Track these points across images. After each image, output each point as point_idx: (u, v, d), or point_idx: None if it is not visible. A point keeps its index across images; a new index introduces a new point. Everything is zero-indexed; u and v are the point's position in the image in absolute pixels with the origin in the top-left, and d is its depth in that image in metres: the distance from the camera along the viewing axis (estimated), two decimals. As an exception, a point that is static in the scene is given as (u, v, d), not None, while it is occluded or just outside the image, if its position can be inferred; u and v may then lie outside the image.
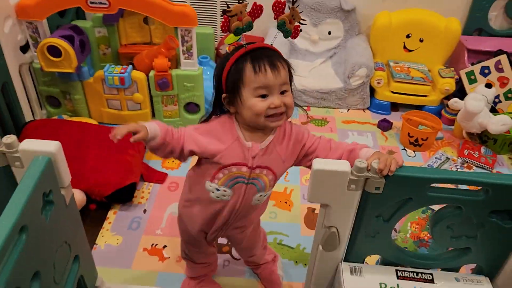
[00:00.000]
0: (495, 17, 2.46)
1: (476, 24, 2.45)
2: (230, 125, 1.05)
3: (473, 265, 1.16)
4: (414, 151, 2.08)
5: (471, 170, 1.95)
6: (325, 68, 2.44)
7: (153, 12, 1.77)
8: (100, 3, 1.74)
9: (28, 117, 1.97)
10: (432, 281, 1.11)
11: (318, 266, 1.18)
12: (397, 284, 1.09)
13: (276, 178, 1.11)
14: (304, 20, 1.15)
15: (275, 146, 1.06)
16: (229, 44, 2.51)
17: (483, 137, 2.10)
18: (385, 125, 2.22)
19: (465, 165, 1.98)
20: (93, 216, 1.68)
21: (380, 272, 1.12)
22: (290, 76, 1.04)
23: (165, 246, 1.56)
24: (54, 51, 1.79)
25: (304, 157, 1.11)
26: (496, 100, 2.24)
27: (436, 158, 2.02)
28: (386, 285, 1.09)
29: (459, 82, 2.29)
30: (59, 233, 1.03)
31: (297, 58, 2.48)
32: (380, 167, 0.94)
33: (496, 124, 1.93)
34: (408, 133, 2.07)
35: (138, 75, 1.94)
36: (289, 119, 1.08)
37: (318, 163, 0.97)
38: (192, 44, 1.88)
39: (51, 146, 0.98)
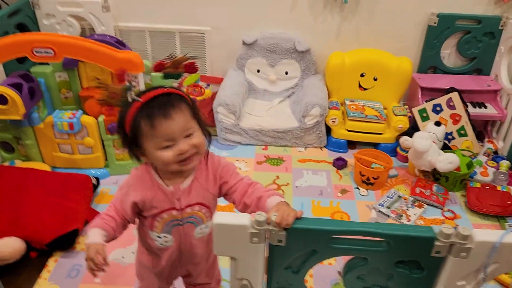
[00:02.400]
0: (448, 55, 2.52)
1: (430, 62, 2.50)
2: (149, 175, 1.06)
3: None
4: (366, 190, 2.08)
5: (422, 209, 1.95)
6: (283, 107, 2.47)
7: (98, 60, 1.81)
8: (46, 52, 1.77)
9: (-21, 163, 1.98)
10: (350, 332, 1.09)
11: (239, 319, 1.16)
12: (313, 337, 1.07)
13: (210, 209, 1.14)
14: (191, 57, 1.25)
15: (198, 181, 1.08)
16: (187, 86, 2.55)
17: (435, 175, 2.11)
18: (340, 164, 2.23)
19: (416, 204, 1.98)
20: (33, 264, 1.65)
21: (298, 324, 1.10)
22: (195, 112, 1.03)
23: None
24: (1, 99, 1.81)
25: (225, 195, 1.14)
26: (450, 137, 2.26)
27: (387, 196, 2.01)
28: (302, 339, 1.07)
29: (413, 119, 2.32)
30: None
31: (256, 97, 2.52)
32: (277, 220, 0.94)
33: (444, 162, 1.94)
34: (360, 172, 2.07)
35: (88, 119, 1.96)
36: (217, 156, 1.11)
37: (219, 217, 0.96)
38: (140, 89, 1.91)
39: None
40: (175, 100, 0.99)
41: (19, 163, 2.05)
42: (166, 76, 1.03)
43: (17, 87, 1.85)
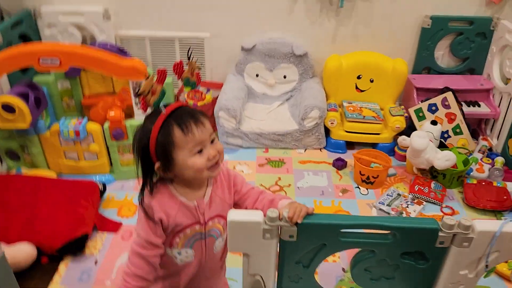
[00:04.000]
0: (442, 56, 2.59)
1: (424, 63, 2.57)
2: (169, 195, 1.07)
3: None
4: (367, 189, 2.14)
5: (421, 206, 2.00)
6: (282, 110, 2.52)
7: (104, 68, 1.85)
8: (52, 61, 1.81)
9: (-15, 172, 2.01)
10: (359, 324, 1.14)
11: (251, 313, 1.20)
12: (324, 329, 1.11)
13: (226, 221, 1.14)
14: (199, 66, 1.26)
15: (216, 193, 1.12)
16: (188, 92, 2.59)
17: (433, 172, 2.17)
18: (339, 164, 2.28)
19: (416, 201, 2.03)
20: (44, 269, 1.68)
21: (309, 317, 1.15)
22: (209, 122, 1.06)
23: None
24: (8, 108, 1.85)
25: (236, 204, 1.17)
26: (446, 135, 2.32)
27: (387, 195, 2.07)
28: (313, 330, 1.11)
29: (410, 119, 2.38)
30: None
31: (255, 102, 2.57)
32: (289, 215, 0.99)
33: (441, 160, 2.00)
34: (360, 172, 2.12)
35: (93, 126, 2.00)
36: (224, 164, 1.14)
37: (233, 214, 1.01)
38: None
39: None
40: (195, 110, 1.04)
41: (25, 171, 2.08)
42: (186, 83, 1.04)
43: (23, 96, 1.89)
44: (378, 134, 2.38)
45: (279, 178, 2.21)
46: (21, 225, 1.68)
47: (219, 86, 2.55)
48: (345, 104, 2.48)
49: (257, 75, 2.57)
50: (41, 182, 1.88)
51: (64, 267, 1.69)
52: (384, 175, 2.14)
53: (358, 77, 2.48)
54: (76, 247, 1.71)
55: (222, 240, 1.18)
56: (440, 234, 0.98)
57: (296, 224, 1.00)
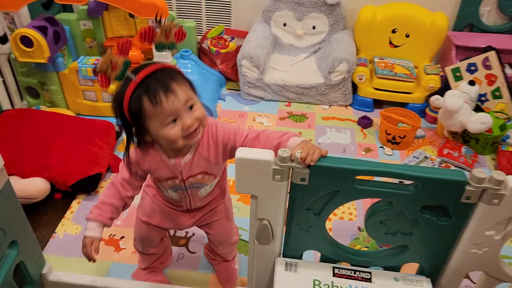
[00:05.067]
0: (488, 13, 2.37)
1: (467, 19, 2.37)
2: (153, 149, 1.06)
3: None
4: (392, 149, 2.03)
5: (449, 169, 1.89)
6: (308, 63, 2.40)
7: (123, 4, 1.77)
8: (72, -10, 1.74)
9: (6, 107, 2.00)
10: (369, 280, 1.07)
11: (257, 261, 1.15)
12: (332, 282, 1.05)
13: (215, 175, 1.15)
14: (177, 23, 1.15)
15: (200, 154, 1.07)
16: (211, 38, 2.49)
17: (465, 137, 2.03)
18: (365, 122, 2.17)
19: (443, 165, 1.92)
20: (57, 205, 1.69)
21: (317, 269, 1.09)
22: (191, 84, 1.00)
23: (122, 237, 1.56)
24: (27, 41, 1.81)
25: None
26: (483, 98, 2.16)
27: (413, 156, 1.96)
28: (320, 282, 1.05)
29: (445, 79, 2.22)
30: (-16, 217, 1.03)
31: (281, 53, 2.45)
32: (302, 155, 0.91)
33: (475, 123, 1.86)
34: (386, 131, 2.01)
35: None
36: (215, 122, 1.08)
37: (241, 152, 0.94)
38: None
39: (-24, 129, 0.97)
40: (172, 74, 0.96)
41: (44, 109, 2.07)
42: (159, 47, 0.95)
43: (42, 30, 1.84)
44: (409, 93, 2.24)
45: (300, 133, 2.12)
46: (36, 160, 1.67)
47: (244, 34, 2.44)
48: (376, 59, 2.33)
49: (284, 25, 2.43)
50: (58, 118, 1.86)
51: (77, 205, 1.69)
52: (412, 136, 2.02)
53: (393, 31, 2.31)
54: (89, 185, 1.70)
55: (209, 187, 1.17)
56: (467, 188, 0.89)
57: (309, 166, 0.93)
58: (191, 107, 0.96)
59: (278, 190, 0.98)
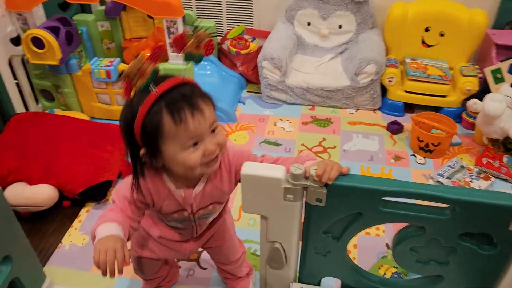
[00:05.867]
0: (532, 9, 2.17)
1: (509, 16, 2.16)
2: (159, 178, 0.92)
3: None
4: (424, 158, 1.86)
5: (488, 181, 1.71)
6: (334, 64, 2.25)
7: (135, 2, 1.69)
8: (82, -11, 1.67)
9: (20, 110, 1.95)
10: (397, 312, 0.93)
11: (270, 286, 1.03)
12: (352, 314, 0.92)
13: (224, 202, 1.04)
14: (214, 33, 1.03)
15: (213, 183, 0.95)
16: (231, 38, 2.37)
17: (507, 144, 1.84)
18: (395, 128, 2.00)
19: (482, 176, 1.74)
20: (65, 213, 1.61)
21: (336, 298, 0.96)
22: (214, 106, 0.87)
23: (129, 250, 1.46)
24: (38, 42, 1.75)
25: None
26: (527, 102, 1.96)
27: (448, 166, 1.78)
28: (338, 314, 0.93)
29: (484, 81, 2.03)
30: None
31: (305, 53, 2.31)
32: (318, 173, 0.78)
33: (519, 130, 1.68)
34: (418, 137, 1.85)
35: (125, 68, 1.86)
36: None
37: (248, 167, 0.83)
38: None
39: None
40: (196, 90, 0.83)
41: (58, 112, 2.01)
42: (188, 57, 0.84)
43: (54, 30, 1.77)
44: (444, 96, 2.06)
45: (324, 139, 1.98)
46: (44, 165, 1.60)
47: (265, 35, 2.31)
48: (407, 60, 2.16)
49: (308, 24, 2.30)
50: (68, 122, 1.79)
51: (85, 213, 1.61)
52: (447, 143, 1.85)
53: (426, 30, 2.14)
54: (98, 193, 1.62)
55: (217, 212, 1.06)
56: (518, 214, 0.74)
57: (326, 185, 0.80)
58: (213, 130, 0.84)
59: (291, 211, 0.85)
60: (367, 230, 1.53)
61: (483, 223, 0.78)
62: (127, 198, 0.91)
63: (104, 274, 0.77)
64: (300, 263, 0.97)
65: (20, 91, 1.98)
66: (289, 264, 0.96)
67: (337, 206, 0.82)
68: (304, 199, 0.84)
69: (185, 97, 0.80)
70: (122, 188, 0.93)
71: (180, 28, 1.77)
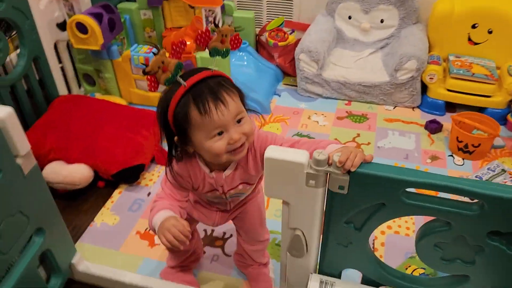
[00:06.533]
0: None
1: None
2: (196, 163, 1.00)
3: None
4: (463, 159, 1.79)
5: (531, 187, 1.62)
6: (374, 59, 2.20)
7: (175, -10, 1.72)
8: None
9: (63, 93, 2.03)
10: (418, 310, 0.90)
11: (289, 275, 1.02)
12: (372, 308, 0.90)
13: (254, 183, 1.09)
14: (239, 27, 1.05)
15: (241, 167, 1.01)
16: (270, 30, 2.37)
17: (554, 149, 1.74)
18: (433, 127, 1.93)
19: (525, 180, 1.65)
20: (99, 193, 1.67)
21: (356, 291, 0.94)
22: (242, 97, 0.93)
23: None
24: (82, 28, 1.82)
25: None
26: None
27: (488, 169, 1.70)
28: (358, 307, 0.91)
29: (533, 82, 1.92)
30: (9, 202, 1.00)
31: (344, 47, 2.28)
32: (341, 159, 0.77)
33: None
34: (457, 138, 1.77)
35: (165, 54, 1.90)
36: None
37: (271, 151, 0.82)
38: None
39: (1, 112, 0.93)
40: (223, 82, 0.89)
41: (98, 96, 2.08)
42: (213, 52, 0.87)
43: (97, 17, 1.83)
44: (488, 96, 1.97)
45: (358, 135, 1.94)
46: (82, 146, 1.66)
47: (305, 27, 2.29)
48: (451, 58, 2.08)
49: (349, 17, 2.26)
50: (107, 106, 1.85)
51: (118, 194, 1.66)
52: (488, 145, 1.77)
53: (473, 26, 2.05)
54: (131, 175, 1.67)
55: (249, 192, 1.13)
56: (552, 213, 0.70)
57: (349, 172, 0.78)
58: (239, 121, 0.90)
59: (313, 198, 0.84)
60: (396, 229, 1.49)
61: (513, 222, 0.74)
62: (173, 184, 1.02)
63: (177, 248, 0.89)
64: (321, 254, 0.96)
65: (64, 75, 2.07)
66: (309, 253, 0.95)
67: (359, 194, 0.80)
68: (327, 186, 0.82)
69: (211, 89, 0.86)
70: (168, 175, 1.02)
71: (219, 17, 1.79)
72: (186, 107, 0.86)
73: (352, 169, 0.77)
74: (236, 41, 0.99)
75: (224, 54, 0.98)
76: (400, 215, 0.82)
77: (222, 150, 0.89)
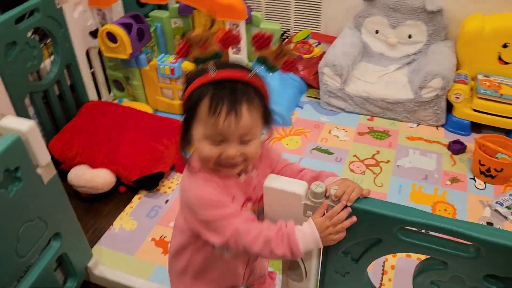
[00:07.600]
0: None
1: None
2: (219, 172, 0.87)
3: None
4: (485, 183, 1.74)
5: (555, 217, 1.56)
6: (399, 75, 2.17)
7: (200, 4, 1.76)
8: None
9: (93, 97, 2.12)
10: None
11: (290, 296, 1.04)
12: None
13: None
14: (296, 54, 0.98)
15: (260, 173, 0.93)
16: (296, 42, 2.38)
17: None
18: (457, 148, 1.89)
19: (548, 209, 1.59)
20: (120, 198, 1.74)
21: (353, 320, 0.95)
22: (267, 118, 0.85)
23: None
24: (112, 37, 1.89)
25: None
26: None
27: (510, 195, 1.66)
28: (352, 338, 0.92)
29: None
30: (28, 209, 1.06)
31: (369, 61, 2.26)
32: (337, 193, 0.78)
33: None
34: (480, 161, 1.73)
35: (189, 66, 1.95)
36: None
37: (270, 180, 0.84)
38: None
39: (23, 125, 1.00)
40: (253, 94, 0.80)
41: (126, 102, 2.16)
42: (260, 60, 0.78)
43: (127, 27, 1.90)
44: (516, 119, 1.92)
45: (378, 152, 1.93)
46: (105, 152, 1.73)
47: (331, 40, 2.29)
48: (480, 77, 2.03)
49: (376, 32, 2.24)
50: (132, 113, 1.92)
51: (137, 200, 1.72)
52: (512, 170, 1.72)
53: (504, 46, 1.99)
54: (150, 182, 1.72)
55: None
56: (549, 263, 0.69)
57: (345, 206, 0.79)
58: (247, 142, 0.82)
59: (310, 227, 0.86)
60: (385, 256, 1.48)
61: (509, 268, 0.73)
62: (239, 212, 0.87)
63: None
64: (320, 280, 0.97)
65: (95, 80, 2.16)
66: (309, 279, 0.96)
67: (356, 228, 0.81)
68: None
69: (233, 94, 0.78)
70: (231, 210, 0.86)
71: (242, 30, 1.82)
72: (201, 96, 0.79)
73: (348, 204, 0.78)
74: (290, 65, 0.87)
75: (270, 70, 0.86)
76: (396, 251, 0.83)
77: (212, 157, 0.82)
